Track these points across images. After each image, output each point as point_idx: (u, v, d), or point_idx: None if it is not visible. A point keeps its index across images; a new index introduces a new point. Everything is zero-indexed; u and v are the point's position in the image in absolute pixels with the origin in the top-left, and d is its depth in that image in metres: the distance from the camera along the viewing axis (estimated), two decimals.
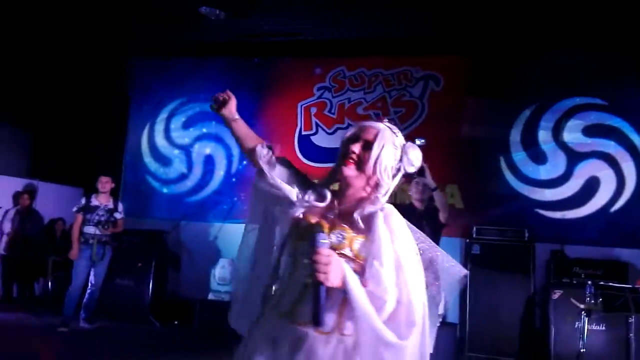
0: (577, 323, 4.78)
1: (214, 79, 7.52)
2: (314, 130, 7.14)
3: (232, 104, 1.74)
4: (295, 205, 1.59)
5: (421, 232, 1.62)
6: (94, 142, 7.73)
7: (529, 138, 6.39)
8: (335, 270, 1.34)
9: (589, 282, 4.51)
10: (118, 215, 5.97)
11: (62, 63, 7.78)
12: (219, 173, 7.42)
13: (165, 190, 7.62)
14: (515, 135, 6.42)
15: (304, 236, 1.51)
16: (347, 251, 1.47)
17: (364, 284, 1.39)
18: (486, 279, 5.47)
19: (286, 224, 1.62)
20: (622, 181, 6.07)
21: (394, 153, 1.58)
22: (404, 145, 1.62)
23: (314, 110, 7.18)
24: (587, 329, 4.44)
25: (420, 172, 3.82)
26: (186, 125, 7.67)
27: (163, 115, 7.75)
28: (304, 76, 7.31)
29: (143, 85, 7.94)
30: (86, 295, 5.77)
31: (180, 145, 7.66)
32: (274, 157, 1.70)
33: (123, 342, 5.48)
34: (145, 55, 7.86)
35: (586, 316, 4.38)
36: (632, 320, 4.34)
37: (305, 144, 7.13)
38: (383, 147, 1.55)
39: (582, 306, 4.37)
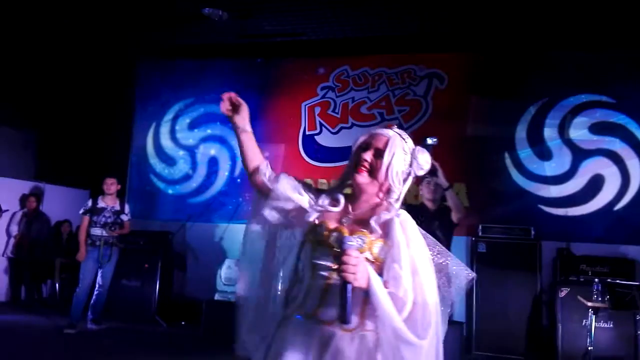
0: (584, 321, 4.77)
1: (218, 80, 7.54)
2: (318, 130, 7.15)
3: (246, 112, 1.72)
4: (308, 211, 1.65)
5: (432, 237, 1.67)
6: (100, 144, 7.77)
7: (535, 135, 6.36)
8: (363, 271, 1.41)
9: (596, 280, 4.50)
10: (125, 217, 6.00)
11: (68, 65, 7.82)
12: (224, 174, 7.44)
13: (170, 191, 7.65)
14: (521, 132, 6.40)
15: (322, 241, 1.59)
16: (367, 254, 1.53)
17: (385, 286, 1.46)
18: (492, 278, 5.46)
19: (301, 229, 1.67)
20: (627, 178, 6.04)
21: (404, 158, 1.64)
22: (413, 149, 1.67)
23: (317, 110, 7.18)
24: (595, 327, 4.42)
25: (432, 171, 3.78)
26: (191, 127, 7.69)
27: (169, 116, 7.78)
28: (307, 76, 7.31)
29: (148, 87, 7.96)
30: (93, 297, 5.81)
31: (185, 146, 7.69)
32: (274, 174, 1.72)
33: (130, 342, 5.51)
34: (150, 57, 7.89)
35: (593, 314, 4.37)
36: (639, 317, 4.32)
37: (310, 143, 7.13)
38: (394, 154, 1.61)
39: (589, 304, 4.35)
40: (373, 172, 1.62)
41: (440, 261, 1.65)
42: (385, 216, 1.58)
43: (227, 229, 6.93)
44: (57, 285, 7.56)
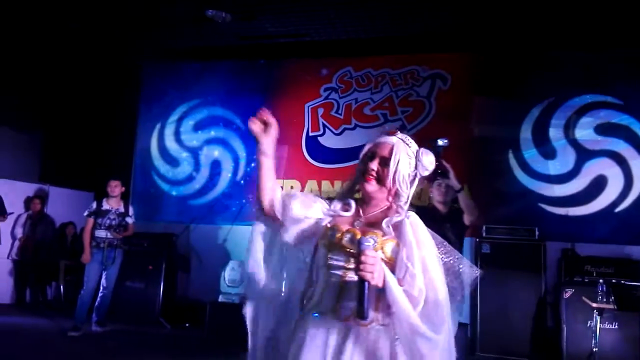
0: (589, 322, 4.76)
1: (222, 82, 7.57)
2: (321, 131, 7.14)
3: (275, 133, 1.81)
4: (323, 218, 1.74)
5: (440, 237, 1.72)
6: (104, 147, 7.79)
7: (540, 135, 6.34)
8: (379, 270, 1.50)
9: (601, 281, 4.48)
10: (129, 220, 6.02)
11: (73, 68, 7.86)
12: (227, 175, 7.45)
13: (174, 192, 7.66)
14: (525, 133, 6.38)
15: (335, 242, 1.67)
16: (380, 254, 1.59)
17: (399, 284, 1.55)
18: (496, 279, 5.43)
19: (317, 234, 1.75)
20: (630, 179, 6.02)
21: (409, 162, 1.72)
22: (417, 151, 1.75)
23: (321, 111, 7.18)
24: (600, 328, 4.40)
25: (444, 173, 3.74)
26: (195, 128, 7.70)
27: (173, 118, 7.79)
28: (310, 77, 7.31)
29: (153, 89, 7.98)
30: (98, 299, 5.82)
31: (189, 148, 7.70)
32: (282, 202, 1.76)
33: (134, 344, 5.52)
34: (154, 60, 7.90)
35: (598, 315, 4.34)
36: None
37: (313, 145, 7.12)
38: (399, 161, 1.70)
39: (594, 305, 4.32)
40: (381, 180, 1.70)
41: (448, 259, 1.71)
42: (396, 218, 1.67)
43: (231, 231, 6.93)
44: (61, 287, 7.60)
